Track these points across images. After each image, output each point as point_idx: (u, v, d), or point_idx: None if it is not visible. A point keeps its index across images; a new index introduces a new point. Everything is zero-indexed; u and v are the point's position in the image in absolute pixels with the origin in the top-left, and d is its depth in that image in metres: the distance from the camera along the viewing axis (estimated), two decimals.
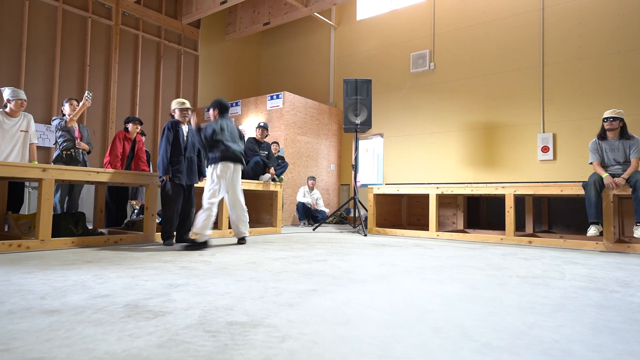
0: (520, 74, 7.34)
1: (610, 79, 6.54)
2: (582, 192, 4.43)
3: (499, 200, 6.33)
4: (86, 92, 4.69)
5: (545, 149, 6.99)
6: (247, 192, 6.14)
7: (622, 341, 1.40)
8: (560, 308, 1.84)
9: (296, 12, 8.89)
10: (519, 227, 5.79)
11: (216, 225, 5.31)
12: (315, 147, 8.80)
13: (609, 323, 1.61)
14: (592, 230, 4.15)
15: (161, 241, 4.18)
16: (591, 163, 4.51)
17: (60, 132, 4.71)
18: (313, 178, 7.97)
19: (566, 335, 1.45)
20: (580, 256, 3.78)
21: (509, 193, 4.97)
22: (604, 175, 4.25)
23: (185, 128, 4.11)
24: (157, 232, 4.43)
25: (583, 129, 6.74)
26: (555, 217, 6.09)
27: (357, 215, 6.40)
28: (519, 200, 5.85)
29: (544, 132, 7.07)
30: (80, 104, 4.67)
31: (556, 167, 6.94)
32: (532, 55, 7.24)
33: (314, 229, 6.48)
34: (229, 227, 5.20)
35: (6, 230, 4.18)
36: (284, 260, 3.14)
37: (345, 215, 8.31)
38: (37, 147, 4.57)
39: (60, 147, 4.75)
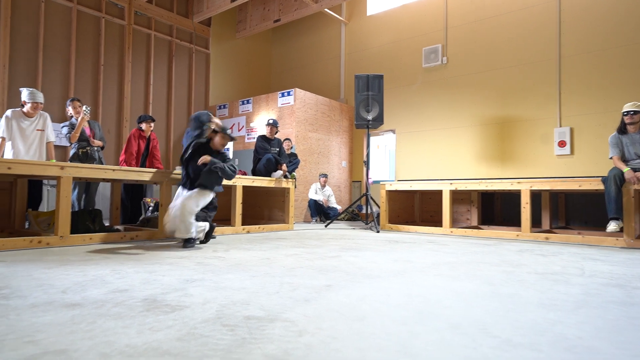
0: (536, 67, 7.21)
1: (631, 70, 6.38)
2: (601, 187, 4.34)
3: (514, 196, 6.24)
4: (84, 106, 4.77)
5: (562, 144, 6.85)
6: (259, 189, 6.16)
7: None
8: (582, 304, 1.80)
9: (306, 8, 8.86)
10: (535, 223, 5.70)
11: (229, 222, 5.34)
12: (327, 144, 8.79)
13: (634, 320, 1.57)
14: (612, 226, 4.06)
15: (175, 238, 4.22)
16: (611, 157, 4.41)
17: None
18: (325, 175, 7.96)
19: (589, 332, 1.42)
20: (600, 253, 3.71)
21: (525, 188, 4.90)
22: (625, 169, 4.15)
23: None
24: None
25: (602, 123, 6.59)
26: (573, 213, 5.97)
27: (369, 211, 6.38)
28: (535, 196, 5.76)
29: (560, 126, 6.93)
30: (79, 118, 4.75)
31: (574, 161, 6.81)
32: (548, 47, 7.10)
33: (326, 226, 6.47)
34: (242, 225, 5.23)
35: (27, 227, 4.27)
36: (297, 257, 3.14)
37: (358, 212, 8.28)
38: (54, 145, 4.64)
39: (76, 146, 4.84)
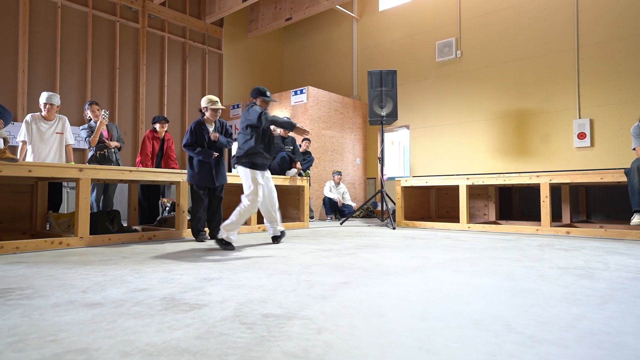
0: (553, 58, 7.04)
1: None
2: (623, 179, 4.21)
3: (533, 190, 6.11)
4: (103, 110, 4.84)
5: (581, 136, 6.68)
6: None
7: None
8: (608, 299, 1.74)
9: (318, 5, 8.83)
10: (555, 217, 5.57)
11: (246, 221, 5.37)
12: (340, 141, 8.76)
13: None
14: (636, 219, 3.93)
15: (192, 237, 4.27)
16: (634, 149, 4.27)
17: None
18: (339, 173, 7.93)
19: (617, 328, 1.37)
20: (624, 246, 3.60)
21: (544, 182, 4.79)
22: None
23: (211, 128, 4.12)
24: (188, 228, 4.52)
25: (623, 113, 6.40)
26: (594, 206, 5.82)
27: (384, 208, 6.33)
28: (555, 189, 5.63)
29: (579, 117, 6.76)
30: (98, 122, 4.82)
31: (594, 154, 6.63)
32: (565, 37, 6.92)
33: (341, 223, 6.45)
34: (258, 223, 5.25)
35: (47, 228, 4.37)
36: (313, 254, 3.13)
37: (373, 209, 8.23)
38: (73, 148, 4.74)
39: (94, 148, 4.93)
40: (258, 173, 3.64)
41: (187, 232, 4.44)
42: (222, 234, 3.49)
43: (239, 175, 3.72)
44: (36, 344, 1.23)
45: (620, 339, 1.26)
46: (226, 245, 3.47)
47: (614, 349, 1.19)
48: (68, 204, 6.63)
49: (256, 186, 3.57)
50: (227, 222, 3.49)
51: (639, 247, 3.56)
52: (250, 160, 3.64)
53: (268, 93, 3.83)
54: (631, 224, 3.98)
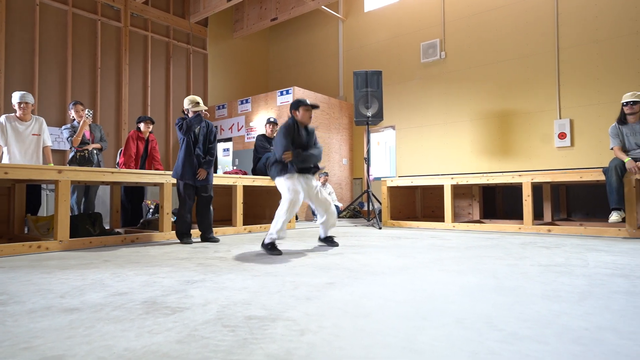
0: (535, 60, 7.17)
1: (629, 60, 6.34)
2: (602, 178, 4.31)
3: (515, 189, 6.21)
4: (86, 110, 4.76)
5: (562, 136, 6.82)
6: (259, 189, 6.13)
7: None
8: (587, 296, 1.78)
9: (303, 6, 8.82)
10: (537, 216, 5.67)
11: (230, 222, 5.32)
12: (327, 142, 8.76)
13: None
14: (614, 217, 4.03)
15: (177, 239, 4.21)
16: (612, 148, 4.37)
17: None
18: (325, 174, 7.93)
19: (596, 323, 1.40)
20: (603, 243, 3.68)
21: (526, 181, 4.87)
22: (626, 159, 4.12)
23: (197, 128, 4.09)
24: (172, 230, 4.45)
25: (601, 114, 6.55)
26: (574, 204, 5.95)
27: (371, 208, 6.35)
28: (537, 188, 5.73)
29: (560, 118, 6.89)
30: (81, 122, 4.74)
31: (574, 153, 6.77)
32: (546, 39, 7.06)
33: None
34: (243, 225, 5.21)
35: (26, 232, 4.25)
36: (299, 255, 3.12)
37: (359, 209, 8.26)
38: (52, 149, 4.63)
39: (75, 149, 4.82)
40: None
41: (171, 235, 4.38)
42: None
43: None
44: (8, 351, 1.19)
45: (598, 334, 1.29)
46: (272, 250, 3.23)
47: (592, 344, 1.21)
48: (47, 207, 6.47)
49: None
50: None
51: (617, 244, 3.65)
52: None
53: (308, 101, 3.60)
54: (609, 221, 4.07)
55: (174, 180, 4.45)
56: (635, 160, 4.12)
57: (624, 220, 4.12)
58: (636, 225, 4.15)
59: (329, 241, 3.71)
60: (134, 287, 2.02)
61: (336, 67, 9.88)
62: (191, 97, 4.04)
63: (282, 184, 3.38)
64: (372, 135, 9.66)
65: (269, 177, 5.54)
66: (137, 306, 1.67)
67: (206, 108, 4.11)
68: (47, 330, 1.37)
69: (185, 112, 4.06)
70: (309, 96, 8.39)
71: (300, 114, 3.57)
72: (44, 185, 6.14)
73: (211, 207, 4.22)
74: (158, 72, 8.70)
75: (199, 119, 3.99)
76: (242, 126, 8.92)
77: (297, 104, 3.59)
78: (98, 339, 1.29)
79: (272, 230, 3.24)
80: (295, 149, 3.41)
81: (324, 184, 7.90)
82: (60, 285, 2.08)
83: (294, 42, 10.71)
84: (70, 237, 3.71)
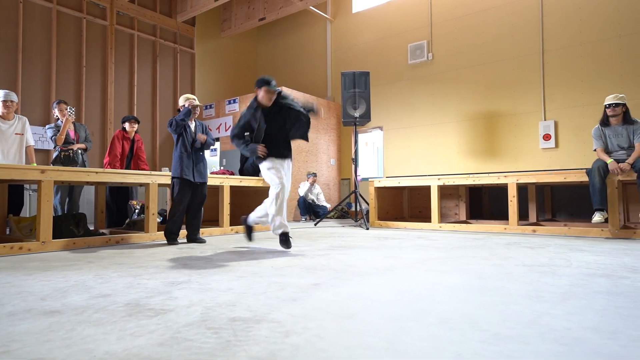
0: (520, 62, 7.27)
1: (612, 63, 6.47)
2: (585, 179, 4.39)
3: (501, 190, 6.29)
4: (68, 107, 4.68)
5: (547, 137, 6.93)
6: (247, 189, 6.10)
7: (636, 327, 1.37)
8: (570, 295, 1.80)
9: (291, 6, 8.81)
10: (522, 216, 5.75)
11: (217, 223, 5.28)
12: (315, 142, 8.76)
13: (621, 309, 1.58)
14: (597, 217, 4.11)
15: (164, 240, 4.16)
16: (595, 150, 4.46)
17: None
18: (313, 174, 7.93)
19: (577, 323, 1.42)
20: (586, 243, 3.75)
21: (511, 182, 4.93)
22: (609, 161, 4.20)
23: (192, 124, 4.08)
24: (159, 231, 4.40)
25: (585, 116, 6.68)
26: (559, 205, 6.04)
27: (358, 209, 6.37)
28: (522, 189, 5.81)
29: (545, 119, 7.01)
30: (64, 120, 4.66)
31: (558, 154, 6.89)
32: (531, 42, 7.17)
33: (315, 224, 6.45)
34: (230, 225, 5.17)
35: (7, 233, 4.16)
36: (286, 255, 3.11)
37: (347, 210, 8.27)
38: (36, 149, 4.55)
39: (59, 149, 4.73)
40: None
41: (157, 235, 4.33)
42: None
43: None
44: None
45: (579, 334, 1.31)
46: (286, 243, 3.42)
47: (573, 344, 1.23)
48: (30, 207, 6.34)
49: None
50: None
51: (600, 244, 3.72)
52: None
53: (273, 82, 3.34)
54: (592, 222, 4.15)
55: (160, 181, 4.40)
56: (618, 161, 4.20)
57: (606, 220, 4.20)
58: (618, 226, 4.24)
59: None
60: (117, 289, 1.99)
61: (324, 68, 9.89)
62: (186, 95, 4.10)
63: (264, 170, 3.44)
64: (359, 135, 9.68)
65: (256, 178, 5.51)
66: (120, 308, 1.64)
67: (198, 103, 4.09)
68: (26, 333, 1.34)
69: (182, 109, 4.05)
70: (297, 96, 8.37)
71: (260, 95, 3.31)
72: (26, 185, 6.01)
73: (202, 208, 4.18)
74: (144, 71, 8.59)
75: (187, 112, 3.96)
76: (230, 126, 8.86)
77: (260, 83, 3.29)
78: (78, 342, 1.26)
79: (276, 224, 3.35)
80: (245, 137, 3.38)
81: (312, 185, 7.90)
82: (41, 287, 2.04)
83: (282, 42, 10.69)
84: (54, 238, 3.64)
